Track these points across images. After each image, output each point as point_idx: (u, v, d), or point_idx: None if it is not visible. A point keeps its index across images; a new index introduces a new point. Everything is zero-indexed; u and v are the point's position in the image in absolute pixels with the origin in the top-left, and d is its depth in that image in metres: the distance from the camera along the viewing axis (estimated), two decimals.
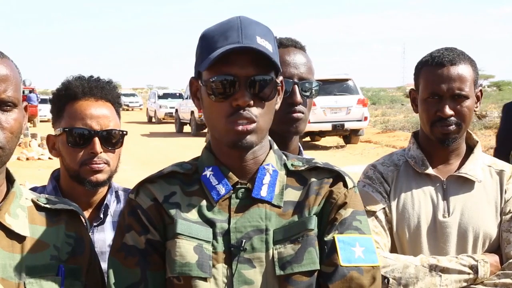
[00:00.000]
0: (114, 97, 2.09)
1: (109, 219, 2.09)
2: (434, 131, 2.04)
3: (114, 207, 2.12)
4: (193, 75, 1.55)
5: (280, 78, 1.52)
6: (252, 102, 1.43)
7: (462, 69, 2.01)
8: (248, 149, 1.48)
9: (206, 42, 1.47)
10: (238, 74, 1.42)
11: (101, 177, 2.01)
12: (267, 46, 1.44)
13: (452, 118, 2.01)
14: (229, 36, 1.43)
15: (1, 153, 1.42)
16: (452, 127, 2.01)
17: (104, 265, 1.71)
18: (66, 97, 2.05)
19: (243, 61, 1.42)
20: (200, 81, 1.49)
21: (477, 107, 2.07)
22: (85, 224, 1.63)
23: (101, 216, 2.07)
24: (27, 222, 1.50)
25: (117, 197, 2.15)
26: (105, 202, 2.09)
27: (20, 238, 1.48)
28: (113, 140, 2.04)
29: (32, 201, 1.56)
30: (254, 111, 1.44)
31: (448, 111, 2.00)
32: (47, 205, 1.56)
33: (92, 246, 1.64)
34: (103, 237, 2.05)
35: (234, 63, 1.42)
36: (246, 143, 1.44)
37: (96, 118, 2.02)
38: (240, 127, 1.42)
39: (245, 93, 1.42)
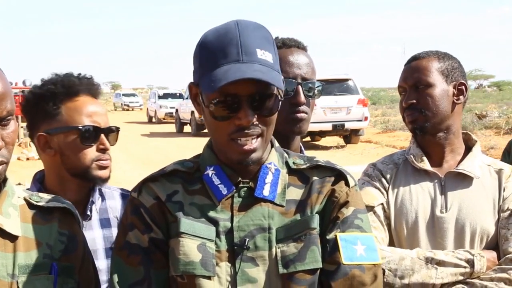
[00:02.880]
0: (100, 94, 2.14)
1: (95, 217, 2.10)
2: (405, 123, 2.14)
3: (99, 204, 2.13)
4: (191, 79, 1.51)
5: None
6: (255, 119, 1.41)
7: (424, 62, 2.10)
8: (254, 165, 1.48)
9: (205, 55, 1.43)
10: (240, 93, 1.39)
11: (108, 173, 2.05)
12: (268, 57, 1.41)
13: (415, 106, 2.08)
14: (228, 53, 1.39)
15: (5, 167, 1.43)
16: (415, 115, 2.08)
17: (95, 262, 1.72)
18: (64, 95, 2.03)
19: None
20: (199, 91, 1.47)
21: (458, 99, 2.10)
22: (78, 221, 1.62)
23: (88, 213, 2.08)
24: (19, 221, 1.50)
25: (101, 194, 2.16)
26: (91, 200, 2.09)
27: (12, 237, 1.47)
28: (113, 135, 2.09)
29: (25, 199, 1.55)
30: (258, 127, 1.43)
31: (409, 100, 2.09)
32: (39, 203, 1.55)
33: (85, 243, 1.63)
34: (92, 235, 2.05)
35: (234, 81, 1.36)
36: (251, 161, 1.44)
37: (100, 115, 2.05)
38: (245, 147, 1.42)
39: (248, 112, 1.40)
